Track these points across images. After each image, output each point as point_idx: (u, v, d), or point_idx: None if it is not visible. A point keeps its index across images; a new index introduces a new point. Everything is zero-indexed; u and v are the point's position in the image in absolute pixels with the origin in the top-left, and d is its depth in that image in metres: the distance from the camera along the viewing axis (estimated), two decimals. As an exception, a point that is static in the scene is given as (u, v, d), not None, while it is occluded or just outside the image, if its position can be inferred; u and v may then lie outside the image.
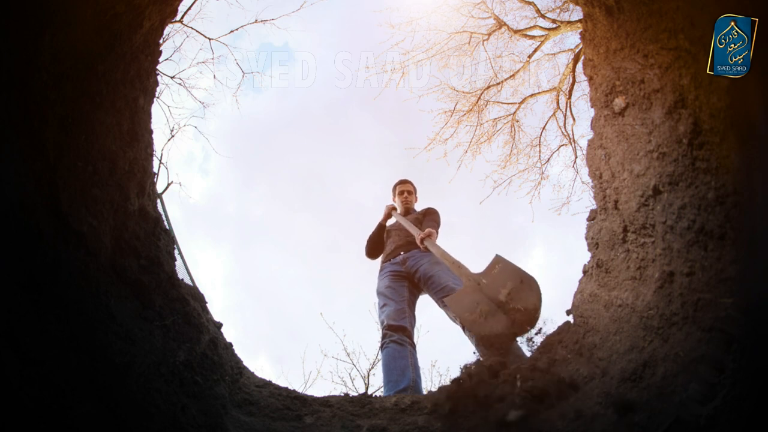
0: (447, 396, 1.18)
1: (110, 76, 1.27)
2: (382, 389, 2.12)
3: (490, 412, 1.04)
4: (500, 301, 1.60)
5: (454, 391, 1.19)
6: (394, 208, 3.22)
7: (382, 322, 2.41)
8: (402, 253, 2.77)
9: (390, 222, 3.25)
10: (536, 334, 1.77)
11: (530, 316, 1.50)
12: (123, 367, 1.01)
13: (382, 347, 2.28)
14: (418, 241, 2.57)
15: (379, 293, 2.62)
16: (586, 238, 1.40)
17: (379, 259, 3.05)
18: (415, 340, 2.37)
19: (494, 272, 1.77)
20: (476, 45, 6.83)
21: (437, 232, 2.92)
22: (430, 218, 2.99)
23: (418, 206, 3.35)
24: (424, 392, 2.10)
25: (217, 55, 7.95)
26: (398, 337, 2.25)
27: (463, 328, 2.16)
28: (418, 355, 2.28)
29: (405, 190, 3.35)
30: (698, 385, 0.82)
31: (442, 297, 2.31)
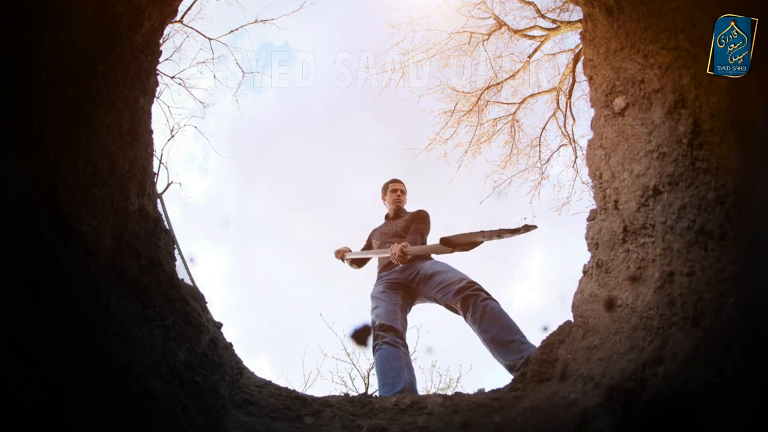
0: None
1: (110, 76, 1.27)
2: (378, 392, 2.11)
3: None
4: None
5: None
6: (348, 250, 3.12)
7: (373, 323, 2.38)
8: (400, 263, 2.69)
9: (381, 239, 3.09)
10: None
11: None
12: (123, 367, 1.01)
13: (374, 349, 2.24)
14: (394, 260, 2.51)
15: (373, 297, 2.59)
16: (586, 238, 1.40)
17: (375, 267, 2.98)
18: (407, 341, 2.33)
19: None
20: (476, 45, 6.84)
21: (424, 239, 2.83)
22: (416, 226, 2.86)
23: (409, 208, 3.25)
24: (421, 392, 2.09)
25: (217, 55, 7.95)
26: (390, 338, 2.21)
27: (465, 315, 2.14)
28: (418, 356, 2.25)
29: (398, 188, 3.21)
30: (698, 385, 0.82)
31: (442, 294, 2.28)
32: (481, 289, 2.16)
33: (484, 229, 1.93)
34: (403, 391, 1.94)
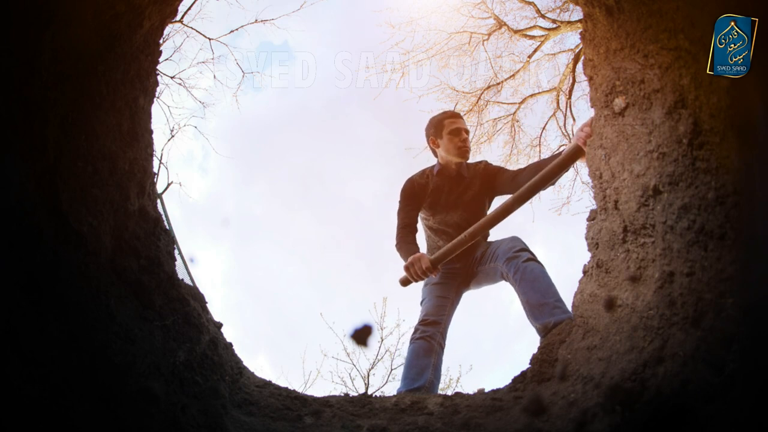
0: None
1: (110, 76, 1.27)
2: (399, 382, 2.07)
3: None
4: None
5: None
6: (422, 255, 2.01)
7: (420, 315, 2.23)
8: (460, 260, 2.21)
9: (430, 219, 2.30)
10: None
11: None
12: (123, 367, 1.01)
13: (411, 340, 2.15)
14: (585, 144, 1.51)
15: (425, 285, 2.28)
16: (586, 238, 1.40)
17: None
18: (446, 340, 2.18)
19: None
20: (476, 45, 6.84)
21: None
22: (506, 172, 2.15)
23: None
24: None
25: (217, 55, 7.98)
26: (429, 333, 2.10)
27: (507, 277, 1.97)
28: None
29: (463, 128, 2.18)
30: (698, 385, 0.82)
31: (494, 262, 2.05)
32: (525, 249, 2.00)
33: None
34: (421, 389, 1.89)
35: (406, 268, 2.01)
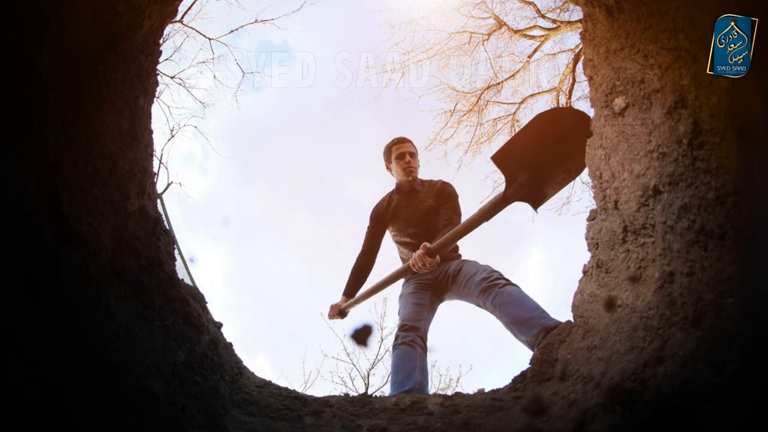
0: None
1: (110, 76, 1.27)
2: (389, 388, 2.12)
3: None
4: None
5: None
6: (344, 300, 2.48)
7: (398, 322, 2.33)
8: (432, 269, 2.33)
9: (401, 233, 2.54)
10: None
11: None
12: (123, 367, 1.01)
13: (393, 347, 2.22)
14: (424, 270, 2.10)
15: (400, 297, 2.47)
16: (586, 238, 1.40)
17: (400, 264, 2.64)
18: (428, 343, 2.25)
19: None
20: (476, 45, 6.85)
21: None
22: (449, 212, 2.37)
23: (420, 176, 2.59)
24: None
25: (217, 55, 7.99)
26: (411, 338, 2.17)
27: (485, 305, 2.06)
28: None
29: (406, 151, 2.47)
30: (698, 385, 0.82)
31: (467, 290, 2.18)
32: (500, 277, 2.10)
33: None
34: (411, 391, 1.93)
35: (329, 309, 2.53)
